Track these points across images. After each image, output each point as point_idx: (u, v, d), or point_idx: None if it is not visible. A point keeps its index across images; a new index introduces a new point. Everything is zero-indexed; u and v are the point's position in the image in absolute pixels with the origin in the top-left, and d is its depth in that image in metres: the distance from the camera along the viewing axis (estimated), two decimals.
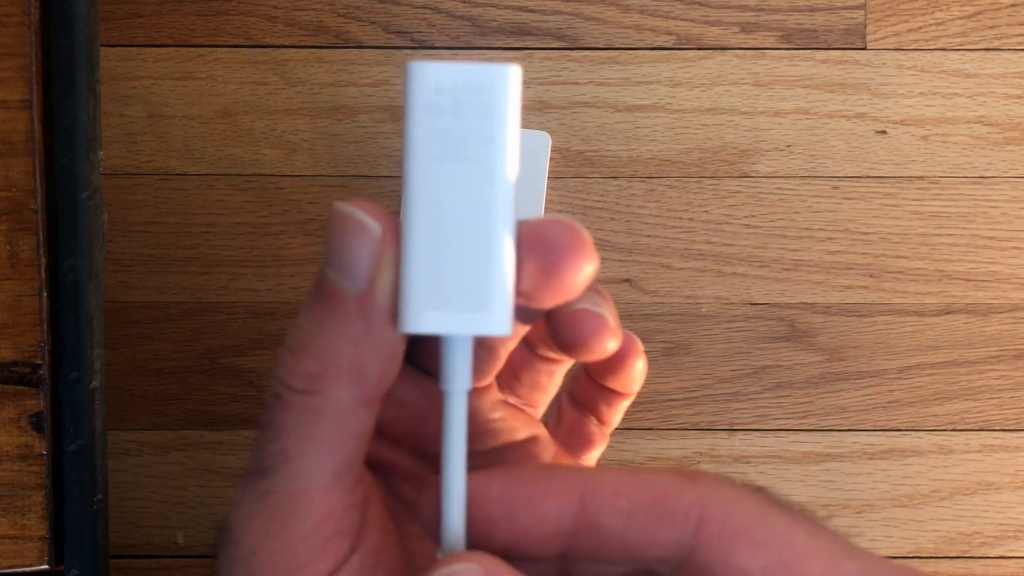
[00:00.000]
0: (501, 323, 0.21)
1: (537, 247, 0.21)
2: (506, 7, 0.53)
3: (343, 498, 0.22)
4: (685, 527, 0.21)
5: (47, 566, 0.41)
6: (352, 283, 0.21)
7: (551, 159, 0.51)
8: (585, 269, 0.21)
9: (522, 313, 0.22)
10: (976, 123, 0.52)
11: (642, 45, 0.52)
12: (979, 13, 0.53)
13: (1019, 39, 0.53)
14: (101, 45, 0.48)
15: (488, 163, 0.21)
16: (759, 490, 0.21)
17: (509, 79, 0.20)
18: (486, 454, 0.26)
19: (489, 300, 0.21)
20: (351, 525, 0.22)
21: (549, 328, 0.23)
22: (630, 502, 0.21)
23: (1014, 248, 0.52)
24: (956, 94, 0.52)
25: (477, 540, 0.22)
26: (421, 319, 0.21)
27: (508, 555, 0.21)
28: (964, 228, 0.52)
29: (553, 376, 0.27)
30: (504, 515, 0.21)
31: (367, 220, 0.21)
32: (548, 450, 0.27)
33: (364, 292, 0.21)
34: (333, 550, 0.22)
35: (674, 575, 0.21)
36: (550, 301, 0.22)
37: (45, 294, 0.41)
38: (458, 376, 0.22)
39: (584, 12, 0.52)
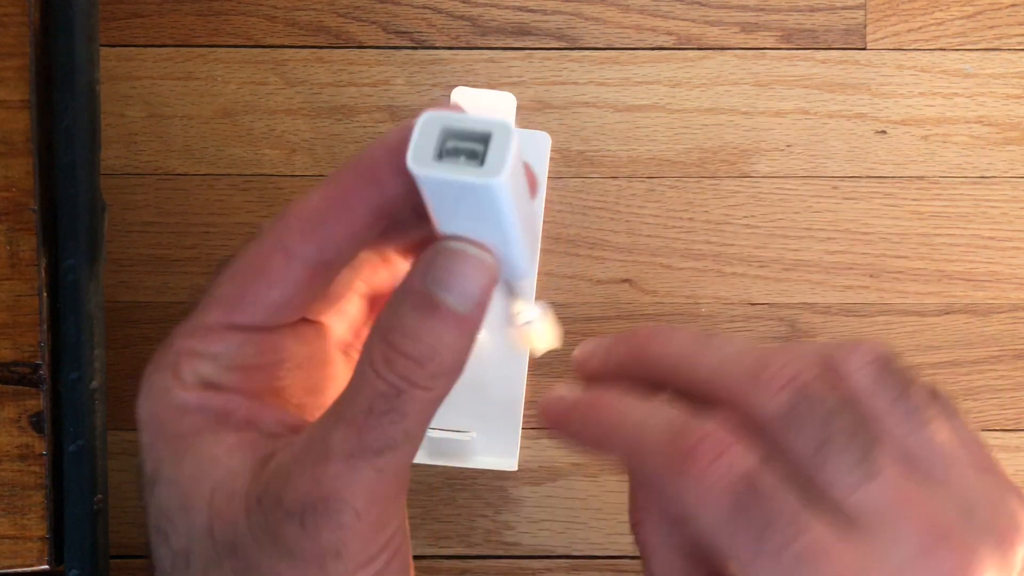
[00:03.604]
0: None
1: None
2: (506, 7, 0.53)
3: None
4: None
5: (47, 566, 0.41)
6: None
7: (551, 159, 0.51)
8: None
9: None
10: (976, 123, 0.52)
11: (642, 45, 0.52)
12: (979, 13, 0.53)
13: (1019, 39, 0.53)
14: (101, 45, 0.48)
15: None
16: None
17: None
18: None
19: None
20: None
21: None
22: None
23: (1014, 248, 0.52)
24: (956, 94, 0.52)
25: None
26: None
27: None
28: (964, 228, 0.52)
29: None
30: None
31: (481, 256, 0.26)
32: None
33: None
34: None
35: None
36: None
37: (45, 294, 0.41)
38: None
39: (584, 12, 0.52)
